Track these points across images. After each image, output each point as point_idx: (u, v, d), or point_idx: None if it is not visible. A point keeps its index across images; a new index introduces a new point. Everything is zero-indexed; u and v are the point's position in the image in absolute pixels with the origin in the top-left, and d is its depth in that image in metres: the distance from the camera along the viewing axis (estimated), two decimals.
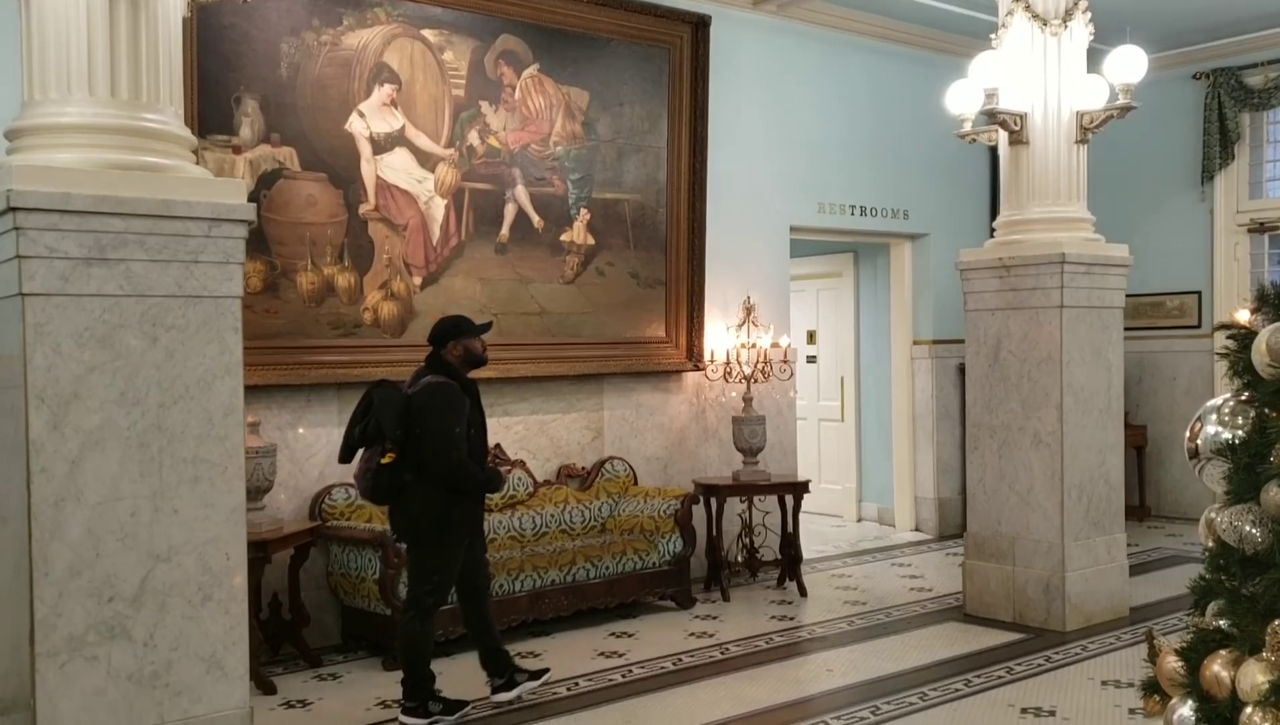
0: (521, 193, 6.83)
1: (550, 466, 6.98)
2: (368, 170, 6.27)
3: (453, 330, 4.94)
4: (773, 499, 7.33)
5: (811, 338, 9.99)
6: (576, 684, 5.22)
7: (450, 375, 4.83)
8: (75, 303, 3.24)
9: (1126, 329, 6.58)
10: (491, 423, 6.67)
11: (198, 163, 3.67)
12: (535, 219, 6.86)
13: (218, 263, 3.49)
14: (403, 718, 4.72)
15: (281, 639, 5.66)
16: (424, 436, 4.63)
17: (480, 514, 4.98)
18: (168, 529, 3.37)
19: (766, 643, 5.96)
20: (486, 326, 5.09)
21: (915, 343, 9.08)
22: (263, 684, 5.16)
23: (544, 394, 6.97)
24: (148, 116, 3.46)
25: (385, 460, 4.65)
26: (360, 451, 4.78)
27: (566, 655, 5.69)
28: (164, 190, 3.38)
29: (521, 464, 6.76)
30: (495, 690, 4.95)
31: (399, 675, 5.38)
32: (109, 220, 3.28)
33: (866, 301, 9.62)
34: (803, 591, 7.01)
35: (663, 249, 7.39)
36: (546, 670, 5.10)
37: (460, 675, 5.30)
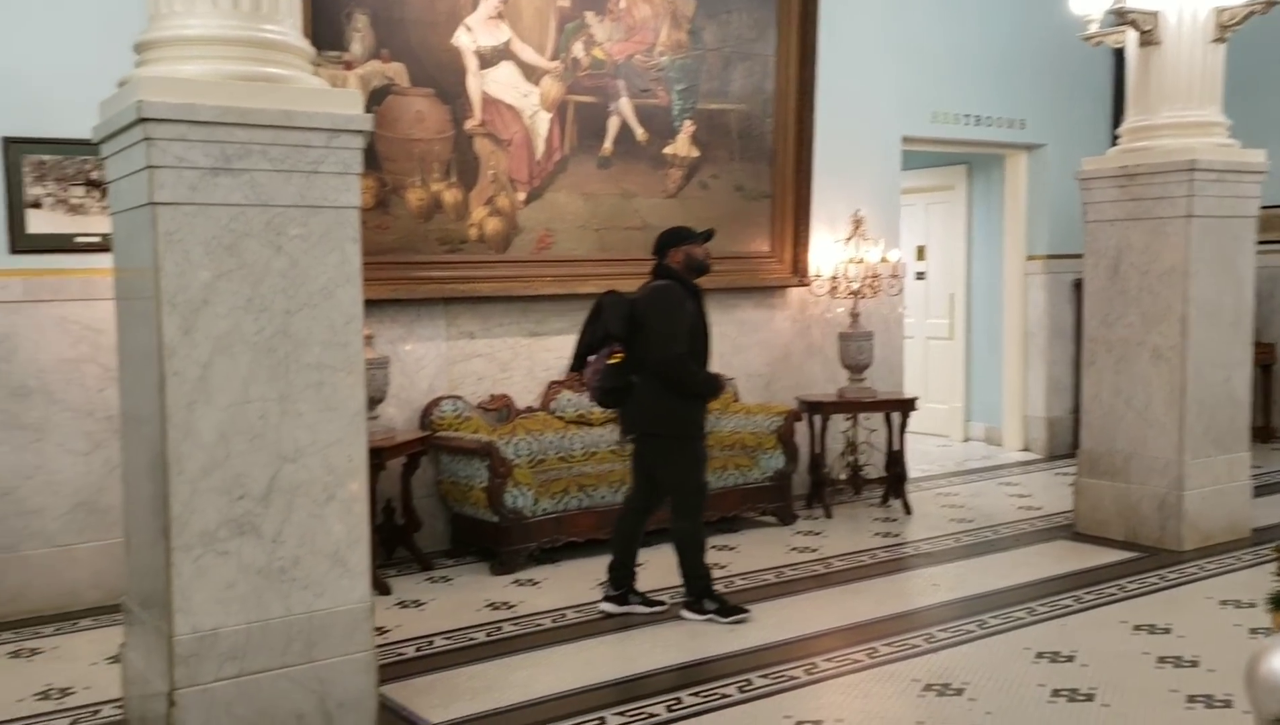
0: (625, 105, 6.77)
1: None
2: (474, 85, 6.28)
3: (674, 238, 4.99)
4: (878, 417, 7.28)
5: (921, 254, 9.80)
6: (680, 593, 5.29)
7: (674, 280, 4.88)
8: (203, 212, 3.33)
9: (1260, 242, 6.29)
10: None
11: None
12: (639, 131, 6.81)
13: (337, 173, 3.54)
14: (682, 611, 4.92)
15: (395, 543, 5.86)
16: (647, 335, 4.74)
17: (701, 423, 4.97)
18: (294, 431, 3.48)
19: (870, 558, 5.97)
20: (708, 234, 5.07)
21: (1029, 258, 8.84)
22: (378, 584, 5.35)
23: None
24: (268, 28, 3.50)
25: (613, 360, 4.80)
26: (590, 358, 4.90)
27: (668, 565, 5.76)
28: (285, 101, 3.43)
29: None
30: (606, 599, 5.06)
31: (506, 579, 5.57)
32: (234, 131, 3.35)
33: (979, 216, 9.37)
34: (907, 509, 6.98)
35: (769, 161, 7.28)
36: (662, 605, 5.09)
37: (661, 568, 5.45)
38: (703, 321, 4.93)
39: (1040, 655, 4.35)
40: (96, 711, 3.96)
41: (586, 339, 4.92)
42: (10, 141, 4.97)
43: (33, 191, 5.03)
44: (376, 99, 5.95)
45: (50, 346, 5.06)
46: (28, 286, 5.00)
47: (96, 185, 5.11)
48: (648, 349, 4.76)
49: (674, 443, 4.88)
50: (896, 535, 6.45)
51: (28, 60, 4.95)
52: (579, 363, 4.98)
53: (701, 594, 4.91)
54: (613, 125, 6.75)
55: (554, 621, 4.95)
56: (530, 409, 6.52)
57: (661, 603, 5.10)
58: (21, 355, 5.01)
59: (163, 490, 3.33)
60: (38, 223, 5.03)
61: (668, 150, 6.94)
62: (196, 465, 3.34)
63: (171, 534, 3.32)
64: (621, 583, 5.07)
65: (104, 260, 4.76)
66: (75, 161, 5.09)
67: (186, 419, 3.32)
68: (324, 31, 5.75)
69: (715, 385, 4.98)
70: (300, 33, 3.68)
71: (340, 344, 3.56)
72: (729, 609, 4.88)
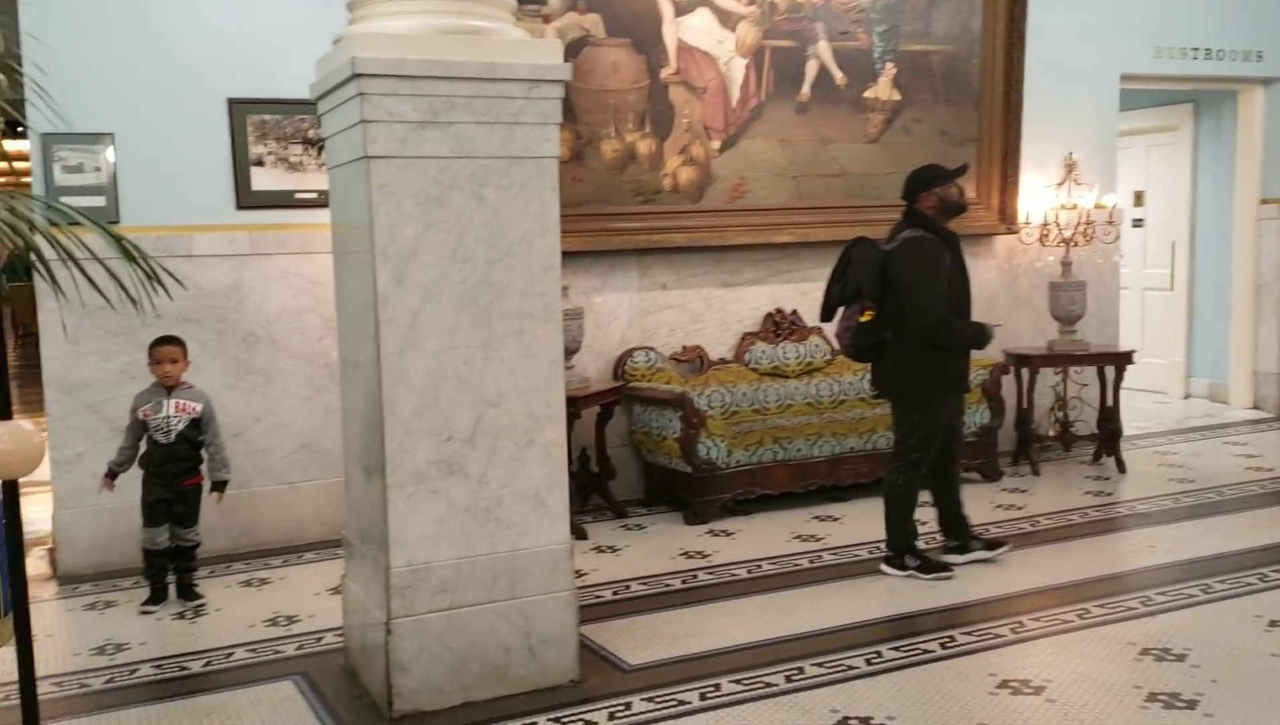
0: (824, 48, 6.61)
1: None
2: (669, 33, 6.26)
3: (925, 180, 4.73)
4: (1090, 371, 6.92)
5: (1139, 199, 9.21)
6: (878, 548, 5.20)
7: (927, 228, 4.64)
8: (412, 165, 3.44)
9: None
10: (789, 288, 6.69)
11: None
12: (838, 75, 6.64)
13: (537, 124, 3.59)
14: (882, 566, 4.83)
15: (590, 490, 5.99)
16: (902, 294, 4.54)
17: (966, 371, 4.78)
18: (496, 377, 3.58)
19: (1080, 517, 5.70)
20: (962, 169, 4.82)
21: (1264, 202, 8.17)
22: (575, 530, 5.43)
23: None
24: None
25: (864, 318, 4.63)
26: (840, 310, 4.79)
27: (867, 520, 5.68)
28: (488, 53, 3.50)
29: (819, 331, 6.70)
30: (947, 552, 4.92)
31: (699, 529, 5.61)
32: (439, 84, 3.44)
33: (1206, 157, 8.72)
34: (1121, 467, 6.63)
35: (975, 103, 6.98)
36: (1004, 544, 4.94)
37: (759, 535, 5.42)
38: (961, 270, 4.67)
39: (1274, 624, 4.06)
40: (320, 638, 4.23)
41: (835, 291, 4.75)
42: (235, 103, 5.28)
43: (255, 150, 5.34)
44: (573, 51, 6.01)
45: (275, 297, 5.38)
46: (253, 240, 5.32)
47: (312, 143, 5.38)
48: (903, 309, 4.55)
49: (923, 397, 4.68)
50: (1109, 494, 6.14)
51: (250, 24, 5.23)
52: (828, 313, 4.85)
53: (904, 550, 4.79)
54: (810, 70, 6.61)
55: (749, 572, 4.95)
56: (723, 361, 6.51)
57: (1003, 542, 4.94)
58: (249, 305, 5.35)
59: (378, 431, 3.49)
60: (260, 180, 5.34)
61: (868, 94, 6.74)
62: (408, 408, 3.48)
63: (387, 472, 3.48)
64: (959, 532, 4.92)
65: (321, 215, 5.03)
66: (293, 120, 5.37)
67: (399, 364, 3.46)
68: None
69: (981, 336, 4.73)
70: None
71: (538, 293, 3.63)
72: (931, 565, 4.75)
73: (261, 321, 5.38)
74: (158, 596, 4.63)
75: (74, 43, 4.98)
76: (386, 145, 3.41)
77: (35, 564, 5.26)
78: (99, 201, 5.04)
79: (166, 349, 4.63)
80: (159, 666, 4.00)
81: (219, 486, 4.70)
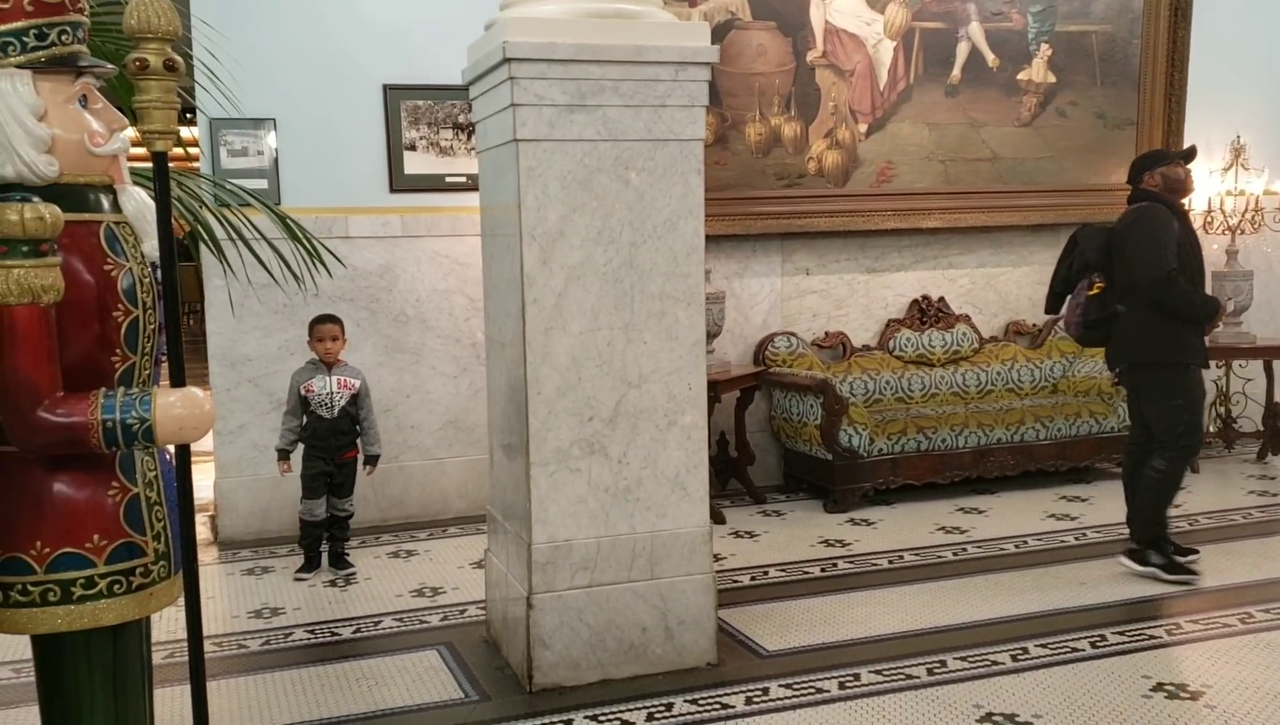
0: (976, 29, 6.43)
1: (997, 322, 6.69)
2: (816, 15, 6.18)
3: (1149, 161, 4.67)
4: (1256, 365, 6.56)
5: None
6: (1025, 542, 5.07)
7: (1154, 201, 4.52)
8: (560, 148, 3.49)
9: None
10: (936, 275, 6.54)
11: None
12: (990, 57, 6.45)
13: (683, 106, 3.60)
14: (1121, 558, 4.60)
15: (729, 475, 5.98)
16: (1129, 256, 4.41)
17: (1203, 343, 4.54)
18: (638, 358, 3.61)
19: (1242, 517, 5.43)
20: (1189, 153, 4.69)
21: None
22: (714, 514, 5.45)
23: (993, 245, 6.65)
24: None
25: (1093, 291, 4.54)
26: (1068, 299, 4.68)
27: (1013, 513, 5.53)
28: (635, 36, 3.51)
29: (966, 319, 6.54)
30: (1128, 554, 4.60)
31: (839, 517, 5.55)
32: (588, 67, 3.47)
33: None
34: None
35: (1134, 85, 6.68)
36: (1195, 554, 4.64)
37: (901, 526, 5.34)
38: (1192, 241, 4.49)
39: None
40: (464, 610, 4.34)
41: (1061, 275, 4.65)
42: (390, 89, 5.44)
43: (408, 135, 5.49)
44: (719, 34, 5.99)
45: (425, 278, 5.53)
46: (405, 223, 5.48)
47: (462, 128, 5.50)
48: (1132, 272, 4.37)
49: (1166, 372, 4.44)
50: (1275, 495, 5.82)
51: (405, 12, 5.38)
52: (1054, 304, 4.74)
53: (1150, 544, 4.49)
54: (962, 51, 6.44)
55: (890, 563, 4.87)
56: (866, 347, 6.42)
57: (1195, 551, 4.66)
58: (401, 285, 5.52)
59: (522, 410, 3.56)
60: (413, 164, 5.50)
61: (1021, 76, 6.53)
62: (552, 387, 3.54)
63: (530, 450, 3.55)
64: (1144, 537, 4.58)
65: (469, 199, 5.15)
66: (445, 106, 5.50)
67: (544, 344, 3.52)
68: None
69: (1211, 306, 4.51)
70: None
71: (681, 275, 3.64)
72: (1175, 567, 4.45)
73: (412, 301, 5.55)
74: (311, 564, 4.83)
75: (240, 31, 5.18)
76: (535, 128, 3.46)
77: (198, 529, 5.54)
78: (261, 184, 5.26)
79: (327, 327, 4.80)
80: (311, 631, 4.17)
81: (371, 460, 4.86)
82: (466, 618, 4.27)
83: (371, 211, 5.45)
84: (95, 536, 1.93)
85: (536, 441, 3.55)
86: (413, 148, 5.51)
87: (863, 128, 6.33)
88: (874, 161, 6.36)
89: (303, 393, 4.76)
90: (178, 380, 1.86)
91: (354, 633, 4.15)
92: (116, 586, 1.95)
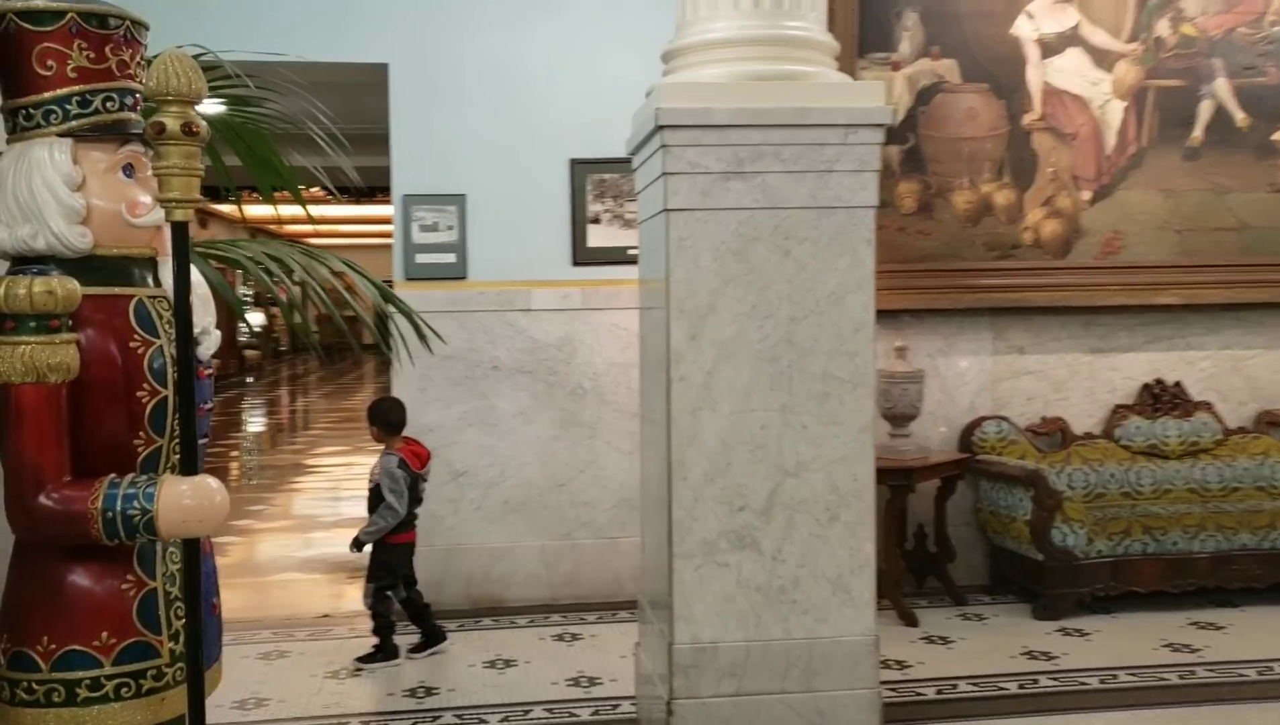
0: (1222, 86, 5.80)
1: (1245, 411, 5.91)
2: (1034, 76, 5.74)
3: None
4: None
5: None
6: (1271, 668, 4.35)
7: None
8: (713, 217, 3.27)
9: None
10: (1171, 356, 5.87)
11: (843, 71, 3.52)
12: (1238, 116, 5.80)
13: (852, 171, 3.32)
14: None
15: (926, 572, 5.49)
16: None
17: None
18: (796, 444, 3.31)
19: None
20: None
21: None
22: (905, 615, 5.03)
23: (1240, 324, 5.90)
24: (790, 24, 3.37)
25: None
26: None
27: (1258, 632, 4.80)
28: (800, 98, 3.27)
29: (1208, 407, 5.81)
30: None
31: (1049, 626, 4.97)
32: (747, 132, 3.25)
33: None
34: None
35: None
36: None
37: (1120, 639, 4.71)
38: None
39: None
40: (616, 705, 4.09)
41: None
42: (576, 163, 5.39)
43: (593, 208, 5.42)
44: (924, 98, 5.66)
45: (603, 351, 5.41)
46: (585, 296, 5.39)
47: None
48: None
49: None
50: None
51: (592, 86, 5.34)
52: None
53: None
54: (1204, 110, 5.81)
55: (1102, 682, 4.28)
56: (1089, 435, 5.79)
57: None
58: (579, 358, 5.42)
59: (666, 495, 3.32)
60: (596, 237, 5.41)
61: (1277, 136, 5.82)
62: (699, 472, 3.29)
63: (674, 540, 3.30)
64: None
65: None
66: (629, 179, 5.38)
67: (691, 425, 3.28)
68: (872, 33, 5.60)
69: None
70: (824, 26, 3.51)
71: (847, 353, 3.32)
72: None
73: (589, 374, 5.43)
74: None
75: (432, 110, 5.31)
76: (687, 197, 3.26)
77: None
78: (450, 258, 5.30)
79: None
80: (460, 715, 4.03)
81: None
82: (618, 714, 4.02)
83: (553, 284, 5.39)
84: (104, 634, 1.80)
85: (680, 531, 3.30)
86: (597, 221, 5.44)
87: (1086, 195, 5.79)
88: (1099, 231, 5.80)
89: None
90: (189, 467, 1.73)
91: (501, 721, 3.98)
92: (124, 689, 1.81)
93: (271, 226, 24.35)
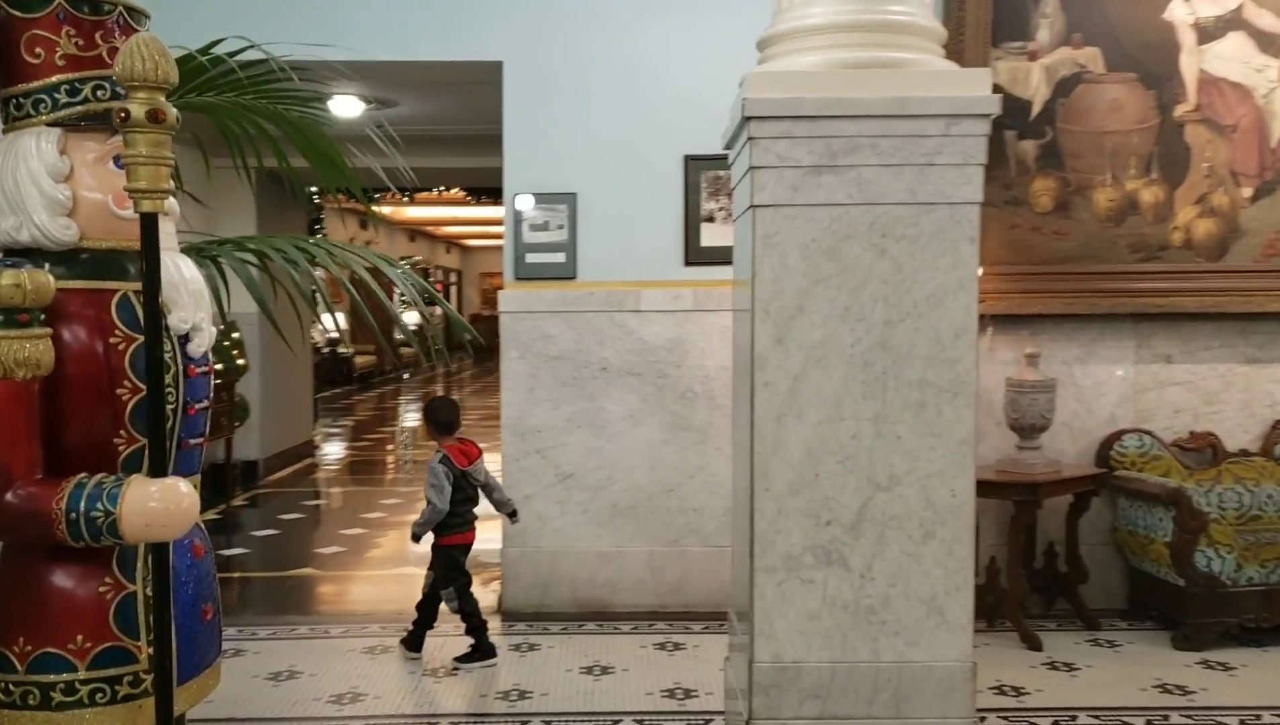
0: None
1: None
2: (1188, 64, 5.33)
3: None
4: None
5: None
6: None
7: None
8: (803, 213, 3.10)
9: None
10: None
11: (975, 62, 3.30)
12: None
13: (955, 165, 3.09)
14: None
15: (1055, 593, 5.16)
16: None
17: None
18: (889, 456, 3.10)
19: None
20: None
21: None
22: (1027, 637, 4.73)
23: None
24: (892, 9, 3.16)
25: None
26: None
27: None
28: (898, 87, 3.07)
29: None
30: None
31: (1188, 658, 4.60)
32: (840, 124, 3.07)
33: None
34: None
35: None
36: None
37: (1269, 676, 4.30)
38: None
39: None
40: (709, 721, 3.97)
41: None
42: (691, 159, 5.27)
43: (707, 206, 5.29)
44: (1064, 89, 5.34)
45: (715, 354, 5.27)
46: (697, 297, 5.26)
47: None
48: None
49: None
50: None
51: (707, 79, 5.17)
52: None
53: None
54: None
55: (1242, 723, 3.91)
56: (1244, 452, 5.34)
57: None
58: (690, 361, 5.30)
59: (749, 506, 3.17)
60: (709, 236, 5.28)
61: None
62: (783, 483, 3.12)
63: (755, 553, 3.14)
64: None
65: None
66: None
67: (775, 433, 3.11)
68: (1006, 21, 5.31)
69: None
70: (929, 11, 3.30)
71: (947, 360, 3.09)
72: None
73: (700, 378, 5.30)
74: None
75: (545, 108, 5.28)
76: (775, 193, 3.10)
77: (486, 595, 5.59)
78: (559, 258, 5.26)
79: None
80: (548, 721, 3.97)
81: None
82: None
83: (664, 285, 5.28)
84: (79, 637, 1.76)
85: (762, 543, 3.14)
86: (711, 219, 5.30)
87: (1246, 192, 5.35)
88: (1260, 232, 5.35)
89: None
90: (157, 468, 1.68)
91: None
92: (99, 695, 1.77)
93: (429, 228, 25.06)
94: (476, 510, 4.68)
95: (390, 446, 12.44)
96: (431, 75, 5.93)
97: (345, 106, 7.56)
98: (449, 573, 4.59)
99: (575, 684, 4.35)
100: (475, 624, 4.58)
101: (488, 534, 6.55)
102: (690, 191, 5.30)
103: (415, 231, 25.86)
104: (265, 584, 6.22)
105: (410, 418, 15.99)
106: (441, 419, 4.70)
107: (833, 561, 3.13)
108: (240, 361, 8.32)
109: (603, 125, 5.29)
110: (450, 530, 4.58)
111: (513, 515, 4.80)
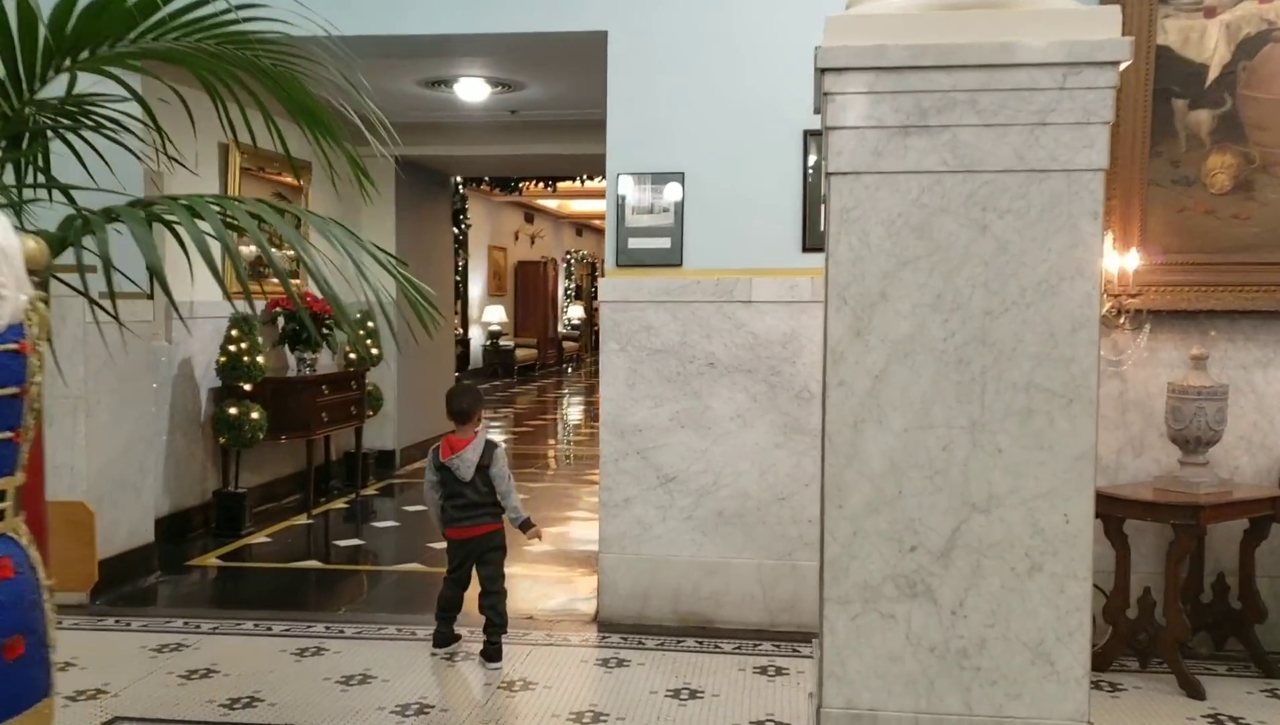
0: None
1: None
2: None
3: None
4: None
5: None
6: None
7: None
8: (887, 182, 2.64)
9: None
10: None
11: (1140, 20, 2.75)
12: None
13: (1073, 124, 2.57)
14: None
15: (1226, 632, 4.46)
16: None
17: None
18: (987, 471, 2.61)
19: None
20: None
21: None
22: (1187, 683, 4.08)
23: None
24: None
25: None
26: None
27: None
28: (1001, 30, 2.57)
29: None
30: None
31: None
32: (931, 75, 2.59)
33: None
34: None
35: None
36: None
37: None
38: None
39: None
40: None
41: None
42: (811, 135, 4.82)
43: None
44: (1247, 51, 4.63)
45: None
46: (816, 287, 4.80)
47: None
48: None
49: None
50: None
51: None
52: None
53: None
54: None
55: None
56: None
57: None
58: (806, 357, 4.84)
59: (819, 525, 2.73)
60: None
61: None
62: (860, 499, 2.67)
63: (826, 580, 2.71)
64: None
65: None
66: None
67: (852, 440, 2.66)
68: None
69: None
70: None
71: (1061, 359, 2.58)
72: None
73: (817, 376, 4.83)
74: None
75: (651, 80, 4.93)
76: (855, 158, 2.65)
77: (583, 605, 5.28)
78: (664, 243, 4.90)
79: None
80: None
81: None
82: None
83: (779, 273, 4.84)
84: None
85: (835, 569, 2.70)
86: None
87: None
88: None
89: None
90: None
91: None
92: None
93: (596, 222, 25.10)
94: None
95: (549, 441, 12.32)
96: (541, 50, 5.66)
97: (471, 90, 7.41)
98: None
99: (657, 708, 3.98)
100: (441, 613, 4.61)
101: (586, 535, 6.27)
102: (809, 171, 4.84)
103: (582, 226, 25.96)
104: (365, 578, 6.09)
105: (573, 411, 15.92)
106: (453, 407, 4.52)
107: (918, 594, 2.66)
108: (374, 351, 8.29)
109: (714, 99, 4.90)
110: (445, 524, 4.55)
111: (524, 526, 4.56)
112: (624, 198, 4.93)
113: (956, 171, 2.61)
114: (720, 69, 4.90)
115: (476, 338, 19.21)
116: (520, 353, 19.83)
